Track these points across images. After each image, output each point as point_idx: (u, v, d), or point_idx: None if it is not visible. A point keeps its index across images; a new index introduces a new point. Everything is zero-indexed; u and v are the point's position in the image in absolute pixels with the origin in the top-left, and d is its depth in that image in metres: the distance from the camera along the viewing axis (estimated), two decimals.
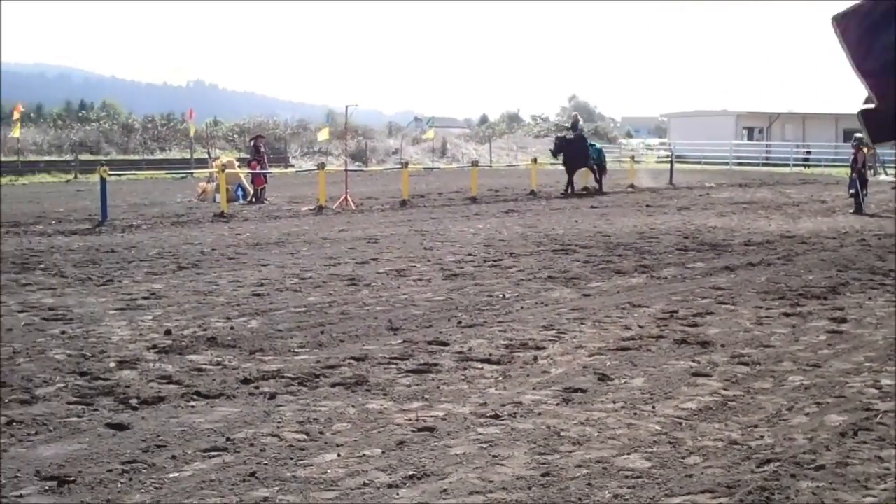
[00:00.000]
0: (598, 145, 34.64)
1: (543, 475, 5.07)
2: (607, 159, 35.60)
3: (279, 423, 5.99)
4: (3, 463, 5.19)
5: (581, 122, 34.03)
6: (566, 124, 40.06)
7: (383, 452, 5.41)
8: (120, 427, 5.91)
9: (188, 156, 49.61)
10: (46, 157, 47.81)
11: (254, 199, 27.54)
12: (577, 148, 31.61)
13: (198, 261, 14.06)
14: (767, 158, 57.04)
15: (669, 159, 41.57)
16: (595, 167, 32.30)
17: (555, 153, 32.79)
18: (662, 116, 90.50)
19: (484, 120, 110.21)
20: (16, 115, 46.72)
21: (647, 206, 25.22)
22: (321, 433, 5.76)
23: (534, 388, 6.88)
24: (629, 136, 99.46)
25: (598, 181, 32.24)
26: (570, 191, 30.83)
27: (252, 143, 30.72)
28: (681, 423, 6.05)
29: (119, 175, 34.70)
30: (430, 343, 8.33)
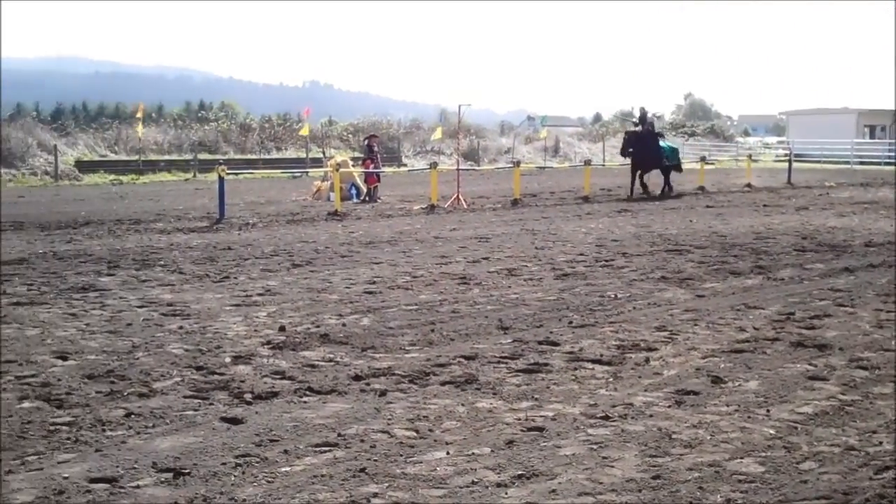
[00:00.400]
0: (670, 143, 32.06)
1: (654, 478, 5.00)
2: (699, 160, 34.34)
3: (389, 419, 6.03)
4: (121, 454, 5.34)
5: (651, 115, 30.63)
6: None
7: (492, 451, 5.41)
8: (234, 421, 6.02)
9: (303, 155, 50.35)
10: (166, 157, 48.99)
11: (367, 198, 27.82)
12: (648, 145, 28.69)
13: (311, 258, 14.26)
14: (890, 157, 55.39)
15: (788, 158, 40.65)
16: (668, 168, 29.49)
17: (623, 151, 29.75)
18: (781, 114, 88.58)
19: (598, 118, 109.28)
20: (138, 115, 48.05)
21: (765, 205, 24.71)
22: (431, 431, 5.79)
23: (645, 390, 6.80)
24: (746, 134, 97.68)
25: (668, 183, 29.43)
26: (633, 194, 28.24)
27: (366, 142, 31.05)
28: (796, 428, 5.91)
29: (236, 174, 35.39)
30: (540, 343, 8.29)
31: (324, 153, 46.70)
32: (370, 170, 28.42)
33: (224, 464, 5.18)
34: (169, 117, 61.33)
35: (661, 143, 29.67)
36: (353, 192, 28.82)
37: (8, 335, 8.69)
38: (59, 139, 47.25)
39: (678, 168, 30.34)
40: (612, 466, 5.17)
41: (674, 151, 30.55)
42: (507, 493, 4.78)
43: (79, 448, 5.47)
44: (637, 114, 31.11)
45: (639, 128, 29.72)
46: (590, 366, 7.51)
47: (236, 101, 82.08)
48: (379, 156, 27.59)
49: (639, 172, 28.98)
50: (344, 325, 9.14)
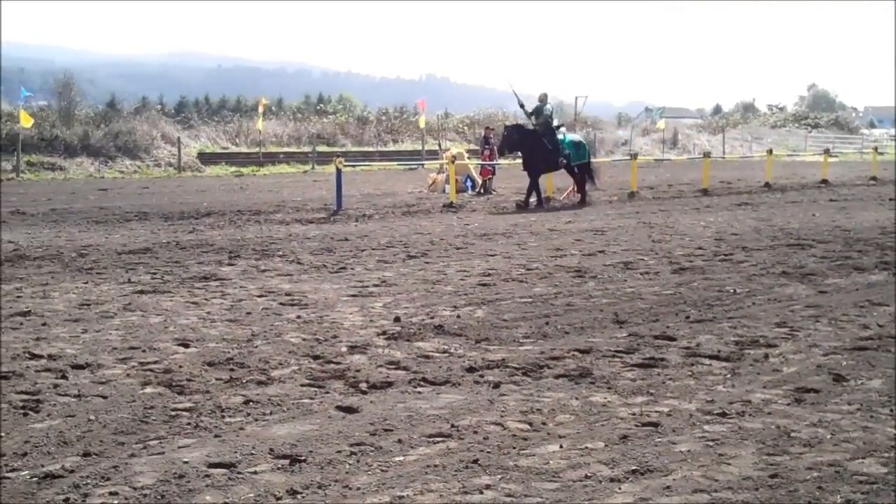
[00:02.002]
0: (575, 137, 25.76)
1: (772, 476, 4.89)
2: (844, 155, 32.61)
3: (503, 412, 6.02)
4: (240, 440, 5.44)
5: (549, 106, 24.63)
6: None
7: (606, 446, 5.36)
8: (349, 410, 6.08)
9: (419, 147, 50.64)
10: (286, 149, 49.85)
11: (481, 191, 27.86)
12: (540, 142, 23.38)
13: (427, 250, 14.33)
14: None
15: None
16: (576, 169, 24.33)
17: (505, 149, 25.03)
18: None
19: (717, 110, 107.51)
20: (260, 109, 48.96)
21: (890, 199, 23.94)
22: (544, 424, 5.76)
23: (764, 387, 6.65)
24: (872, 126, 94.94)
25: (582, 190, 24.28)
26: (528, 202, 23.09)
27: (483, 134, 31.10)
28: None
29: (353, 166, 35.77)
30: (656, 337, 8.19)
31: (439, 145, 46.85)
32: (486, 162, 28.47)
33: (339, 452, 5.24)
34: (288, 110, 62.35)
35: (566, 137, 24.64)
36: (469, 184, 28.90)
37: (132, 322, 8.94)
38: (183, 132, 48.46)
39: (588, 170, 24.69)
40: (729, 464, 5.07)
41: (578, 148, 24.62)
42: (620, 488, 4.73)
43: (199, 433, 5.60)
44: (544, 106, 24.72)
45: (531, 122, 24.36)
46: (707, 361, 7.39)
47: (354, 95, 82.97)
48: (496, 148, 27.57)
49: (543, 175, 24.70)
50: (458, 316, 9.16)
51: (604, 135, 61.24)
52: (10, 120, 42.33)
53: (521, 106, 24.32)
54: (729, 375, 6.98)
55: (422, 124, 50.99)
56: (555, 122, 24.72)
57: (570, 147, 24.12)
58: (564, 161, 23.92)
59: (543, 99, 24.58)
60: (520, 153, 24.51)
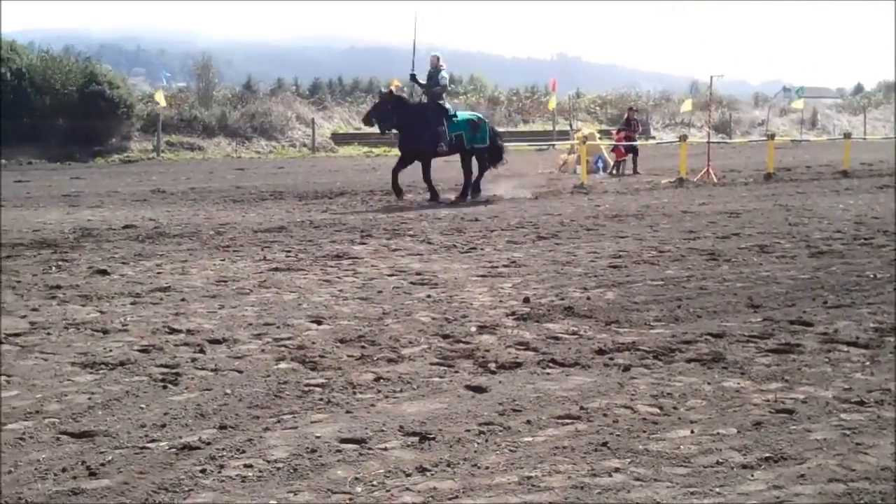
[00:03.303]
0: (471, 115, 21.45)
1: None
2: None
3: (633, 395, 5.96)
4: (370, 417, 5.51)
5: (445, 73, 20.40)
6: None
7: (738, 432, 5.26)
8: (478, 389, 6.10)
9: (550, 128, 50.43)
10: None
11: (613, 172, 27.65)
12: (421, 119, 19.57)
13: (557, 231, 14.27)
14: None
15: None
16: (469, 152, 20.35)
17: (373, 120, 20.12)
18: None
19: (859, 89, 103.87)
20: (390, 88, 49.39)
21: None
22: (675, 408, 5.69)
23: None
24: None
25: (477, 178, 20.59)
26: (400, 195, 19.60)
27: (626, 116, 30.88)
28: None
29: None
30: (792, 322, 7.99)
31: (571, 126, 46.61)
32: (620, 143, 28.23)
33: (468, 431, 5.27)
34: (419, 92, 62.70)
35: (460, 115, 20.70)
36: (600, 164, 28.70)
37: (267, 299, 9.14)
38: (317, 113, 49.29)
39: (495, 153, 20.85)
40: (866, 454, 4.93)
41: (476, 128, 20.33)
42: (752, 475, 4.64)
43: (330, 409, 5.69)
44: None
45: (415, 93, 20.71)
46: (845, 348, 7.18)
47: (485, 75, 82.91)
48: (637, 128, 27.32)
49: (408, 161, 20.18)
50: (588, 298, 9.10)
51: (739, 115, 60.01)
52: (150, 101, 43.69)
53: (413, 77, 20.36)
54: (867, 363, 6.77)
55: (552, 105, 50.73)
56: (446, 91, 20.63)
57: (463, 127, 20.10)
58: (445, 146, 19.81)
59: (436, 63, 20.08)
60: (396, 131, 20.60)
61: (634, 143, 28.16)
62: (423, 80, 20.14)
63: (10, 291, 9.56)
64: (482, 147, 20.31)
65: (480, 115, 21.94)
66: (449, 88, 21.90)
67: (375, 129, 20.94)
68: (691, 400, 5.85)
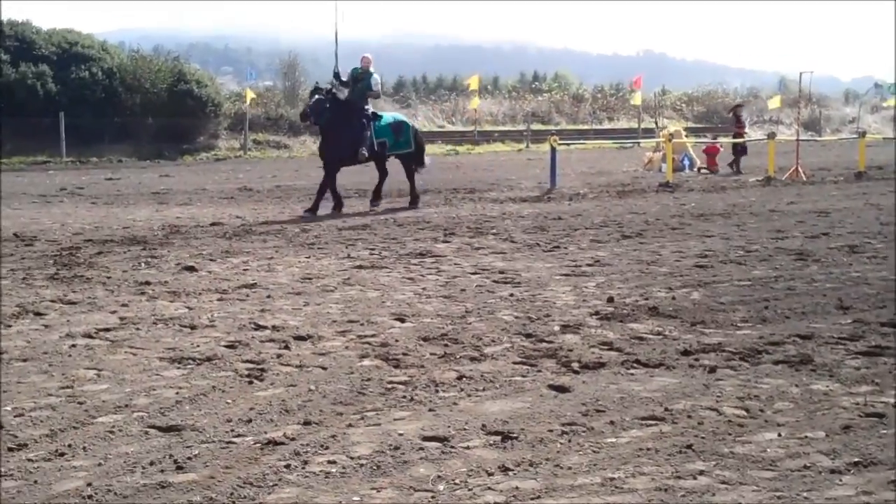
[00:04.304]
0: (395, 117, 19.52)
1: None
2: None
3: (718, 397, 5.89)
4: (453, 415, 5.52)
5: (376, 76, 18.43)
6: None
7: (827, 436, 5.16)
8: (561, 389, 6.07)
9: (635, 125, 50.03)
10: (500, 127, 50.18)
11: (732, 166, 27.31)
12: (348, 121, 17.77)
13: (641, 230, 14.15)
14: None
15: None
16: (389, 157, 18.65)
17: (310, 119, 18.08)
18: None
19: None
20: (472, 87, 49.42)
21: None
22: (761, 411, 5.60)
23: None
24: None
25: (413, 187, 18.87)
26: (316, 208, 17.27)
27: (731, 112, 30.63)
28: None
29: (568, 144, 35.63)
30: (883, 325, 7.80)
31: (656, 123, 46.17)
32: (740, 140, 27.99)
33: (550, 431, 5.25)
34: (504, 89, 62.68)
35: (383, 117, 18.81)
36: (686, 162, 28.41)
37: (351, 296, 9.21)
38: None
39: (417, 158, 19.01)
40: None
41: (399, 132, 18.67)
42: (841, 480, 4.55)
43: (413, 407, 5.71)
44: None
45: (343, 89, 18.27)
46: None
47: (570, 72, 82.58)
48: (745, 124, 27.17)
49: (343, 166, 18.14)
50: (673, 298, 9.01)
51: (829, 112, 58.93)
52: (237, 100, 44.33)
53: (336, 75, 18.40)
54: None
55: (638, 102, 50.32)
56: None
57: (387, 133, 18.39)
58: (368, 152, 18.01)
59: (367, 64, 18.34)
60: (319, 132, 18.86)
61: (716, 140, 27.84)
62: (345, 78, 18.28)
63: (101, 287, 9.78)
64: (406, 152, 18.78)
65: (403, 118, 20.06)
66: (381, 96, 20.26)
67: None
68: (778, 402, 5.76)
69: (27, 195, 22.02)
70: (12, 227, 15.22)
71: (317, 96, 17.76)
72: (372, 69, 18.21)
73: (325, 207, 17.35)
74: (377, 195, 18.57)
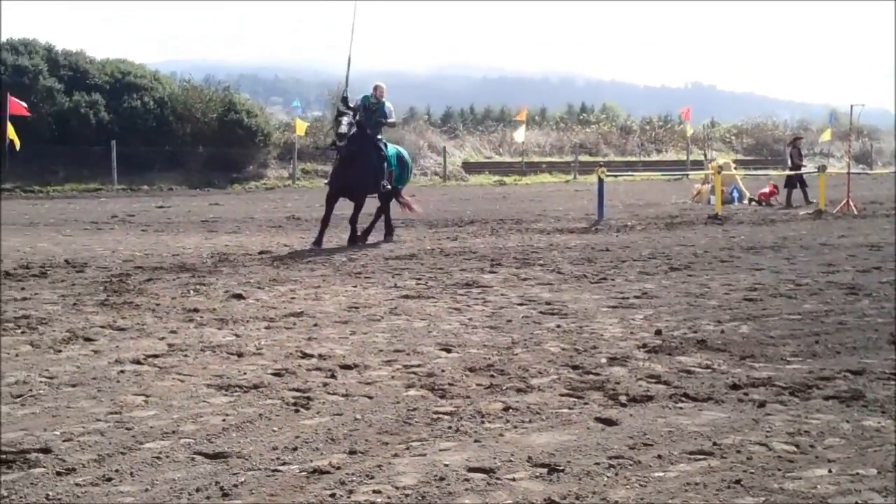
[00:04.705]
0: (399, 150, 18.78)
1: None
2: None
3: (768, 432, 5.81)
4: (499, 447, 5.49)
5: (389, 104, 17.57)
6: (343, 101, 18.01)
7: (879, 473, 5.07)
8: (608, 422, 6.02)
9: (684, 157, 49.82)
10: (548, 158, 50.21)
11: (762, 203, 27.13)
12: (366, 152, 17.05)
13: (690, 262, 14.05)
14: None
15: None
16: (388, 192, 17.83)
17: (344, 142, 16.70)
18: None
19: None
20: (519, 119, 49.52)
21: None
22: (812, 446, 5.52)
23: None
24: None
25: (387, 220, 18.29)
26: (320, 240, 16.84)
27: (790, 144, 30.52)
28: None
29: (615, 176, 35.60)
30: None
31: (705, 155, 45.96)
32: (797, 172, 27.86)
33: (597, 464, 5.20)
34: (552, 120, 62.74)
35: (390, 149, 18.05)
36: (735, 195, 28.23)
37: (397, 326, 9.21)
38: (448, 141, 49.68)
39: (398, 193, 18.49)
40: None
41: (404, 166, 18.62)
42: None
43: (459, 437, 5.69)
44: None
45: (352, 118, 16.97)
46: None
47: (617, 104, 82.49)
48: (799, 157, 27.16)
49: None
50: (722, 331, 8.92)
51: (881, 145, 58.33)
52: (286, 129, 44.71)
53: (345, 100, 17.36)
54: None
55: (689, 133, 50.12)
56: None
57: (393, 164, 17.89)
58: (388, 184, 17.56)
59: (381, 94, 17.49)
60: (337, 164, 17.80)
61: (767, 173, 27.70)
62: (352, 105, 17.27)
63: (150, 313, 9.86)
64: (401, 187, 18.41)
65: (404, 152, 19.25)
66: (396, 124, 19.70)
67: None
68: (829, 438, 5.67)
69: (79, 222, 22.34)
70: (64, 253, 15.44)
71: (346, 119, 16.69)
72: (384, 98, 17.48)
73: (376, 235, 17.41)
74: (368, 232, 17.93)
